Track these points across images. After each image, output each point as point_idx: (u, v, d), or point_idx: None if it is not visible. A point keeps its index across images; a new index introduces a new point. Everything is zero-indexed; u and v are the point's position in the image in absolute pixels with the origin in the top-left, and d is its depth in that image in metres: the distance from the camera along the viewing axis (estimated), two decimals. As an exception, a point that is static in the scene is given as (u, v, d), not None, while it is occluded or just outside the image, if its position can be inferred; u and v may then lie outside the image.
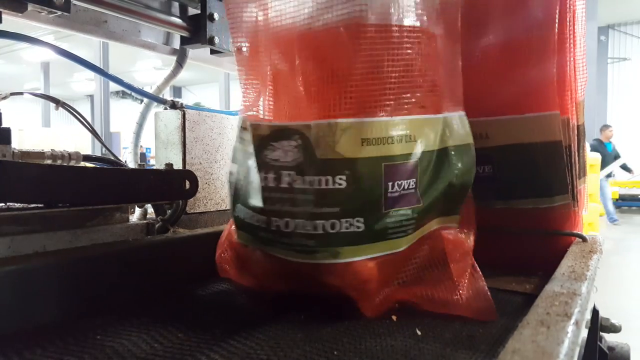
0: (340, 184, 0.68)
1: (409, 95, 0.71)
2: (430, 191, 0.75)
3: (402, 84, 0.70)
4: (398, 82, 0.69)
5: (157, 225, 1.19)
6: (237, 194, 0.80)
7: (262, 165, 0.74)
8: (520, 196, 1.00)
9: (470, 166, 0.79)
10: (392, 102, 0.69)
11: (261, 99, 0.78)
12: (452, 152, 0.77)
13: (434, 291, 0.75)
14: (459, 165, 0.77)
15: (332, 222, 0.68)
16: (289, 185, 0.71)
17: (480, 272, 0.75)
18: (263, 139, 0.75)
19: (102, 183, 0.92)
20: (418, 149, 0.72)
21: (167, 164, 1.17)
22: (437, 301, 0.74)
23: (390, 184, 0.69)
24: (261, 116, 0.77)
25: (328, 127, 0.68)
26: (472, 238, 0.80)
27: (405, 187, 0.71)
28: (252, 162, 0.76)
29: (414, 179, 0.72)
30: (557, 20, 0.87)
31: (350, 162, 0.68)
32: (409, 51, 0.70)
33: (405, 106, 0.71)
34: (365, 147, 0.68)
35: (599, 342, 0.94)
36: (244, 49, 0.78)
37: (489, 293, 0.73)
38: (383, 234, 0.70)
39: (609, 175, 7.93)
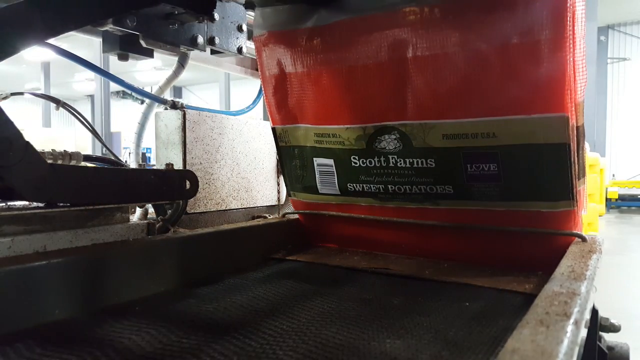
0: None
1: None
2: None
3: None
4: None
5: (157, 225, 1.19)
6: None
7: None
8: (522, 198, 1.00)
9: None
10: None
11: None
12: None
13: None
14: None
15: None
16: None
17: None
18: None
19: (102, 183, 0.92)
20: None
21: (167, 164, 1.18)
22: None
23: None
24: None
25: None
26: None
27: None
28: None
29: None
30: (568, 22, 0.86)
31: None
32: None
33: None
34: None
35: (598, 342, 0.94)
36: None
37: None
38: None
39: None
